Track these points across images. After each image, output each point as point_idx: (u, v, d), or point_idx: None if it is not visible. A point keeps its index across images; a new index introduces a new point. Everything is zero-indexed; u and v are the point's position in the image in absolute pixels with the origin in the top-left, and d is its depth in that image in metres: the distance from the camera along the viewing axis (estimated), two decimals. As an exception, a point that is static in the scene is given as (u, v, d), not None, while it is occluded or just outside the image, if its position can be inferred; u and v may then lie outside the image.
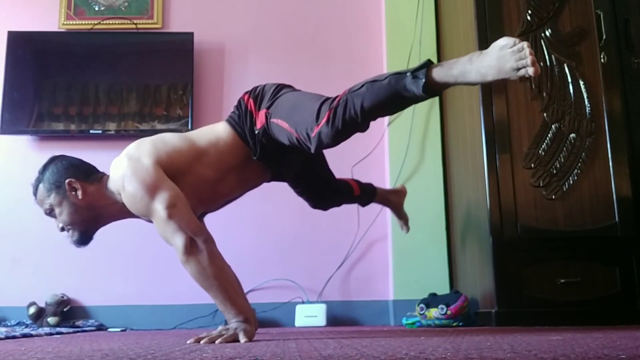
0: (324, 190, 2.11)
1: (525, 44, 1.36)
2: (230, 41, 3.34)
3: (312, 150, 1.62)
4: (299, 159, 1.89)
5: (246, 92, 1.85)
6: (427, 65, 1.45)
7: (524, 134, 2.48)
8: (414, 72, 1.45)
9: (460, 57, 1.45)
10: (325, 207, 2.19)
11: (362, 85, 1.54)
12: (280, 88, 1.78)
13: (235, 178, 1.84)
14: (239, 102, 1.84)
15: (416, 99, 1.50)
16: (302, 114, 1.62)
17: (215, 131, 1.82)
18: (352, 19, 3.37)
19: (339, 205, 2.24)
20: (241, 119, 1.80)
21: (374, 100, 1.50)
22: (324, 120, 1.55)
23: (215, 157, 1.77)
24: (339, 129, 1.53)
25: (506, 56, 1.37)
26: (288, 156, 1.80)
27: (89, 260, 2.99)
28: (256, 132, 1.76)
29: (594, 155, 2.46)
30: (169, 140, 1.76)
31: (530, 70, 1.34)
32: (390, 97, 1.50)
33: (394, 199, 2.40)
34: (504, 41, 1.39)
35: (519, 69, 1.36)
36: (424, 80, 1.43)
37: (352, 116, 1.51)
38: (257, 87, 1.84)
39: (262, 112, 1.75)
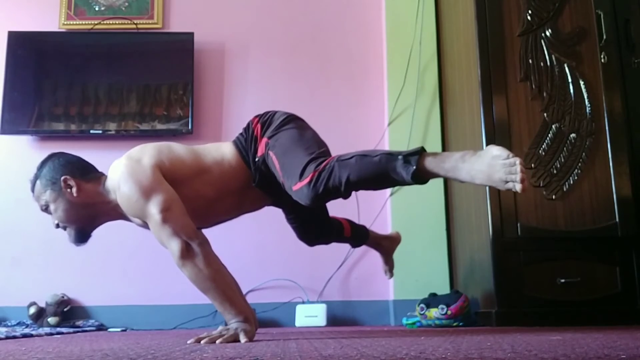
0: (314, 226, 2.08)
1: (517, 160, 1.35)
2: (230, 41, 3.34)
3: (294, 199, 1.62)
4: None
5: (256, 116, 1.83)
6: (420, 152, 1.45)
7: (524, 134, 2.48)
8: (406, 156, 1.45)
9: (453, 152, 1.45)
10: (310, 242, 2.14)
11: (352, 157, 1.52)
12: (287, 120, 1.76)
13: (234, 200, 1.83)
14: (248, 125, 1.83)
15: (403, 183, 1.50)
16: (292, 163, 1.62)
17: (221, 151, 1.80)
18: (352, 19, 3.37)
19: (326, 243, 2.19)
20: (247, 142, 1.79)
21: (361, 174, 1.50)
22: (306, 181, 1.55)
23: (218, 176, 1.76)
24: (319, 193, 1.53)
25: (497, 166, 1.37)
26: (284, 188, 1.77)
27: (89, 260, 2.99)
28: (257, 159, 1.75)
29: (594, 155, 2.46)
30: (175, 148, 1.76)
31: (518, 187, 1.34)
32: (377, 175, 1.50)
33: (386, 245, 2.32)
34: (497, 151, 1.38)
35: (507, 182, 1.36)
36: (414, 167, 1.43)
37: (335, 185, 1.51)
38: (268, 112, 1.83)
39: (264, 141, 1.74)
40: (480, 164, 1.40)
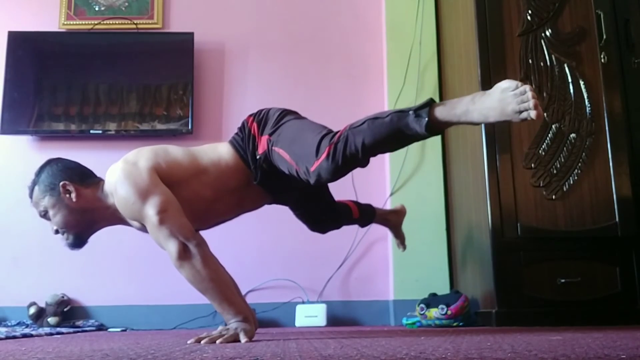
0: (323, 215, 2.10)
1: (527, 87, 1.36)
2: (230, 41, 3.34)
3: (312, 183, 1.62)
4: (299, 185, 1.84)
5: (250, 115, 1.84)
6: (430, 104, 1.46)
7: (524, 134, 2.48)
8: (417, 110, 1.45)
9: (463, 97, 1.45)
10: (323, 230, 2.17)
11: (363, 122, 1.53)
12: (284, 114, 1.77)
13: (233, 200, 1.83)
14: (243, 124, 1.83)
15: (418, 137, 1.50)
16: (303, 147, 1.62)
17: (218, 151, 1.81)
18: (352, 19, 3.37)
19: (337, 228, 2.22)
20: (244, 142, 1.79)
21: (375, 137, 1.50)
22: (323, 156, 1.55)
23: (215, 177, 1.77)
24: (338, 164, 1.53)
25: (508, 99, 1.37)
26: (288, 182, 1.77)
27: (89, 260, 2.99)
28: (257, 157, 1.75)
29: (594, 155, 2.46)
30: (171, 151, 1.76)
31: (533, 114, 1.35)
32: (391, 134, 1.50)
33: (393, 219, 2.36)
34: (506, 84, 1.39)
35: (521, 112, 1.36)
36: (426, 119, 1.43)
37: (352, 152, 1.52)
38: (262, 110, 1.83)
39: (265, 138, 1.74)
40: (491, 100, 1.40)
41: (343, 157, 1.52)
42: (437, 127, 1.46)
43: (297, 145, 1.64)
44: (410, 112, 1.46)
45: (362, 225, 2.36)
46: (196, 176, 1.75)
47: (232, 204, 1.84)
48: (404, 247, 2.42)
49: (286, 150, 1.66)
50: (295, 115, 1.79)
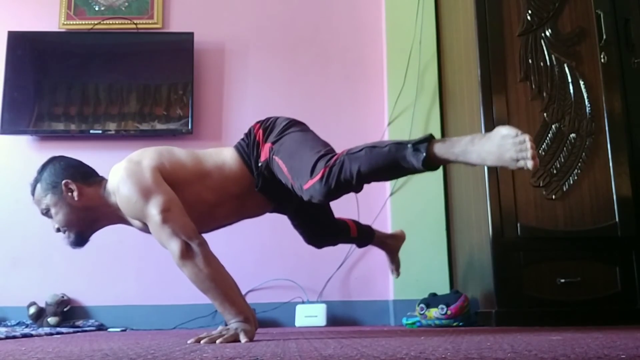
0: (321, 229, 2.10)
1: (527, 137, 1.36)
2: (230, 41, 3.34)
3: (305, 200, 1.62)
4: (298, 196, 1.84)
5: (258, 122, 1.84)
6: (429, 139, 1.46)
7: (524, 134, 2.47)
8: (416, 144, 1.45)
9: (463, 136, 1.46)
10: (319, 245, 2.16)
11: (361, 149, 1.53)
12: (290, 125, 1.77)
13: (235, 205, 1.83)
14: (249, 130, 1.84)
15: (414, 171, 1.50)
16: (300, 163, 1.62)
17: (222, 155, 1.81)
18: (352, 19, 3.37)
19: (334, 244, 2.22)
20: (249, 148, 1.80)
21: (372, 166, 1.50)
22: (317, 177, 1.55)
23: (218, 181, 1.77)
24: (331, 188, 1.54)
25: (507, 146, 1.37)
26: (288, 192, 1.76)
27: (89, 260, 2.99)
28: (260, 164, 1.76)
29: (594, 155, 2.46)
30: (176, 152, 1.77)
31: (529, 164, 1.35)
32: (388, 165, 1.50)
33: (391, 243, 2.34)
34: (506, 130, 1.39)
35: (518, 160, 1.37)
36: (424, 154, 1.43)
37: (347, 178, 1.52)
38: (270, 118, 1.83)
39: (267, 146, 1.74)
40: (490, 145, 1.40)
41: (337, 182, 1.53)
42: (434, 163, 1.46)
43: (295, 159, 1.65)
44: (409, 146, 1.46)
45: (360, 245, 2.34)
46: (199, 179, 1.75)
47: (233, 209, 1.84)
48: (398, 274, 2.39)
49: (284, 163, 1.67)
50: (302, 127, 1.79)
